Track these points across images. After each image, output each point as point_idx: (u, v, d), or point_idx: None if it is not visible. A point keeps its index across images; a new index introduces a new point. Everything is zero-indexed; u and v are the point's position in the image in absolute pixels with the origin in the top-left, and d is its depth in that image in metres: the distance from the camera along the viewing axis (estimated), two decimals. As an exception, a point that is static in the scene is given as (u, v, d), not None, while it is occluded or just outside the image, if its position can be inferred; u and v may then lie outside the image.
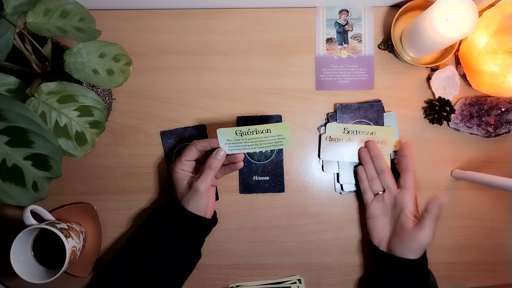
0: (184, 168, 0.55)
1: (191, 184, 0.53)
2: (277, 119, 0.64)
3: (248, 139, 0.53)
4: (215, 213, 0.61)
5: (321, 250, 0.64)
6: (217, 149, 0.54)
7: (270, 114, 0.64)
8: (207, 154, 0.55)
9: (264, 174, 0.64)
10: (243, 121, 0.64)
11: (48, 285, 0.54)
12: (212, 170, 0.53)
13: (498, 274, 0.65)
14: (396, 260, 0.54)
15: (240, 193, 0.64)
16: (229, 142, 0.53)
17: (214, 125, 0.64)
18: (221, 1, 0.65)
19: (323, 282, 0.64)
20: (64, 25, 0.48)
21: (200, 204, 0.54)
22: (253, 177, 0.64)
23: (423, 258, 0.54)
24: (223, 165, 0.56)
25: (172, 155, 0.64)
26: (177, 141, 0.64)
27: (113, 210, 0.64)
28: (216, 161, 0.53)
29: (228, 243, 0.64)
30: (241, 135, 0.53)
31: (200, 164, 0.57)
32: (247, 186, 0.64)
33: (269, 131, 0.53)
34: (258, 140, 0.54)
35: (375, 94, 0.65)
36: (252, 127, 0.52)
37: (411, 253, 0.53)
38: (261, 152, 0.64)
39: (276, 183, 0.64)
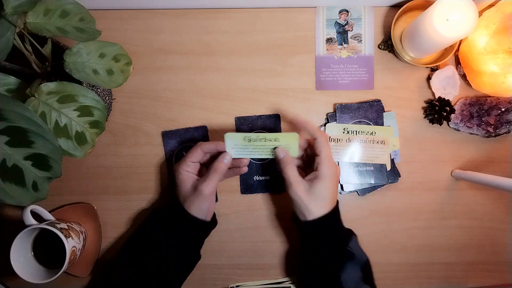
0: (188, 169, 0.54)
1: (195, 187, 0.53)
2: (276, 118, 0.64)
3: (256, 146, 0.53)
4: (214, 214, 0.60)
5: (321, 250, 0.64)
6: (224, 153, 0.53)
7: (268, 113, 0.64)
8: (212, 157, 0.55)
9: (264, 174, 0.64)
10: (242, 121, 0.64)
11: (48, 285, 0.54)
12: (218, 174, 0.52)
13: (498, 274, 0.65)
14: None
15: (241, 193, 0.64)
16: (236, 147, 0.53)
17: (215, 126, 0.64)
18: (221, 1, 0.65)
19: (323, 282, 0.64)
20: (64, 25, 0.48)
21: (203, 207, 0.53)
22: (254, 177, 0.64)
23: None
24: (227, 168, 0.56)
25: (173, 155, 0.64)
26: (178, 141, 0.64)
27: (113, 210, 0.64)
28: (223, 165, 0.52)
29: (228, 243, 0.64)
30: (249, 141, 0.52)
31: (204, 166, 0.56)
32: (248, 187, 0.64)
33: (277, 140, 0.53)
34: (265, 147, 0.53)
35: (375, 94, 0.65)
36: (261, 135, 0.52)
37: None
38: None
39: (277, 182, 0.64)
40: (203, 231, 0.57)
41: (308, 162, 0.57)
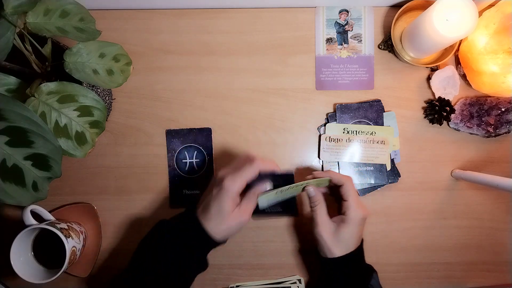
0: (240, 190, 0.49)
1: (233, 210, 0.49)
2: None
3: (288, 192, 0.53)
4: None
5: (321, 250, 0.64)
6: (266, 181, 0.51)
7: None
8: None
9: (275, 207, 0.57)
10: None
11: (48, 285, 0.54)
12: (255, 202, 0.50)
13: (498, 274, 0.65)
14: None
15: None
16: (269, 201, 0.53)
17: (216, 127, 0.64)
18: (220, 1, 0.65)
19: (323, 282, 0.64)
20: (64, 25, 0.48)
21: (233, 233, 0.51)
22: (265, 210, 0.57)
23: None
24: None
25: (175, 154, 0.64)
26: (181, 141, 0.64)
27: (113, 210, 0.64)
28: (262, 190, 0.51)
29: (228, 243, 0.64)
30: (281, 192, 0.52)
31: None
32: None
33: (308, 184, 0.53)
34: (295, 189, 0.53)
35: (375, 94, 0.65)
36: (293, 185, 0.51)
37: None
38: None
39: (289, 210, 0.58)
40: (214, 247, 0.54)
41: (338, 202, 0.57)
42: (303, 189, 0.54)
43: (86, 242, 0.61)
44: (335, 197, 0.57)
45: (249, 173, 0.49)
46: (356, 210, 0.52)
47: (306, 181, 0.52)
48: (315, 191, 0.53)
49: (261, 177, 0.51)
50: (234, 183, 0.48)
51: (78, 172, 0.64)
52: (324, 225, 0.52)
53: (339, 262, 0.51)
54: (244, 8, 0.66)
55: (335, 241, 0.51)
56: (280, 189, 0.51)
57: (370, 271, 0.54)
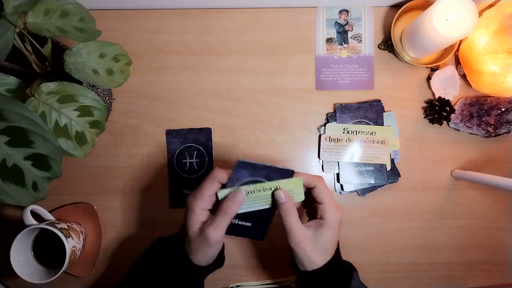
0: (204, 206, 0.45)
1: (202, 230, 0.44)
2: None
3: (256, 197, 0.46)
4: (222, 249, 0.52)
5: (321, 250, 0.64)
6: (236, 191, 0.45)
7: (281, 167, 0.46)
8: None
9: (246, 220, 0.50)
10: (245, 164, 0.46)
11: (48, 285, 0.54)
12: (228, 216, 0.44)
13: (498, 274, 0.65)
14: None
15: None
16: None
17: (216, 127, 0.64)
18: (220, 1, 0.65)
19: (323, 282, 0.64)
20: (64, 25, 0.48)
21: (209, 255, 0.46)
22: (232, 221, 0.49)
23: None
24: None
25: (175, 154, 0.64)
26: (181, 141, 0.64)
27: (113, 210, 0.64)
28: (233, 205, 0.44)
29: (228, 243, 0.64)
30: (247, 193, 0.45)
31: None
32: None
33: (278, 187, 0.46)
34: (266, 197, 0.46)
35: (375, 94, 0.65)
36: (259, 186, 0.45)
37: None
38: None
39: (258, 230, 0.51)
40: (207, 273, 0.51)
41: (308, 206, 0.51)
42: (273, 197, 0.46)
43: (86, 242, 0.61)
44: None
45: (208, 185, 0.45)
46: (334, 213, 0.46)
47: (276, 182, 0.45)
48: (286, 197, 0.46)
49: (254, 170, 0.45)
50: (194, 198, 0.45)
51: (78, 172, 0.64)
52: (300, 233, 0.46)
53: (321, 273, 0.47)
54: (244, 8, 0.66)
55: (315, 249, 0.46)
56: (245, 187, 0.45)
57: (350, 270, 0.51)
